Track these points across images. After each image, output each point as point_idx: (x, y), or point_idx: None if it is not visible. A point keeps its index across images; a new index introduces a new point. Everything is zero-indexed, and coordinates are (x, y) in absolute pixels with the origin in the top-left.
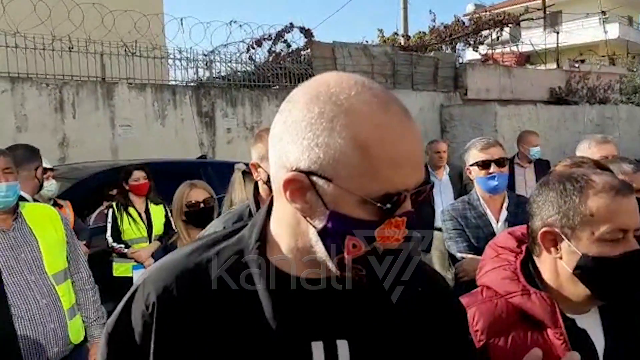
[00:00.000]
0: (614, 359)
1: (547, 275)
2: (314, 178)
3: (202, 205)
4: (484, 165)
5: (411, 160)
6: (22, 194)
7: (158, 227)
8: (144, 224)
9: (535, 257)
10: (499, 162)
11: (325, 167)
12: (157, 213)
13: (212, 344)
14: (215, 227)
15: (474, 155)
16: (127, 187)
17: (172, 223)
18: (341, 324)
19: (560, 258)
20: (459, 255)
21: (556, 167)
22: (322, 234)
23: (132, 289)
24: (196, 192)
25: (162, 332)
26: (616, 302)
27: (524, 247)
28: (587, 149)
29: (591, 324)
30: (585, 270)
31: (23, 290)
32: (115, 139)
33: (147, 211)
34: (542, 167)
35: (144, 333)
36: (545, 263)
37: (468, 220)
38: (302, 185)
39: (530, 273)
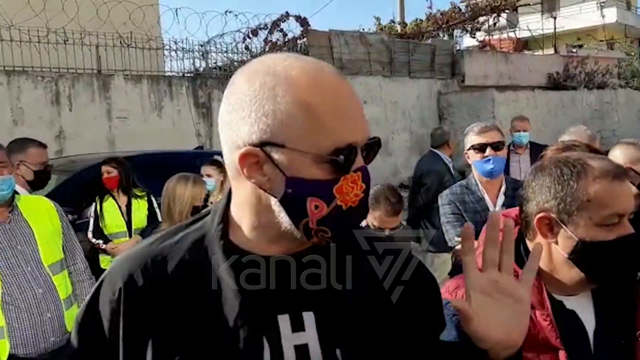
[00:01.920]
0: (604, 338)
1: (540, 259)
2: (267, 148)
3: (206, 200)
4: (480, 148)
5: (353, 113)
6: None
7: (138, 221)
8: (124, 218)
9: (527, 240)
10: (495, 146)
11: (276, 133)
12: (138, 207)
13: (180, 325)
14: None
15: (471, 139)
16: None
17: (158, 215)
18: (307, 297)
19: (556, 243)
20: (456, 239)
21: (547, 151)
22: (284, 201)
23: (100, 279)
24: (205, 188)
25: (130, 317)
26: (610, 284)
27: (516, 229)
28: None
29: (582, 304)
30: (581, 255)
31: (20, 280)
32: (112, 130)
33: (128, 205)
34: (538, 153)
35: (113, 319)
36: None
37: (466, 205)
38: (257, 159)
39: (521, 255)
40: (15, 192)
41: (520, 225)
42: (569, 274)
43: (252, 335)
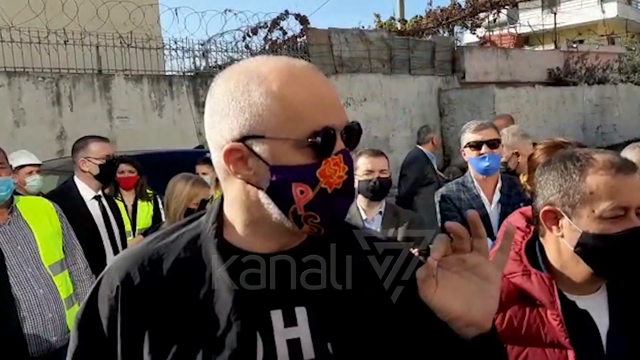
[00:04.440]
0: (617, 339)
1: (551, 254)
2: (248, 141)
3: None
4: (476, 146)
5: (326, 99)
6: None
7: (142, 222)
8: (129, 218)
9: (540, 238)
10: (491, 144)
11: (254, 125)
12: (143, 208)
13: (175, 321)
14: None
15: (467, 136)
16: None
17: (163, 216)
18: (299, 293)
19: (562, 236)
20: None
21: (536, 150)
22: (271, 191)
23: (99, 277)
24: (204, 191)
25: (127, 314)
26: (618, 279)
27: (532, 228)
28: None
29: (595, 305)
30: (585, 247)
31: (20, 281)
32: (113, 130)
33: (134, 205)
34: None
35: (111, 316)
36: (549, 243)
37: (462, 202)
38: (241, 154)
39: (535, 254)
40: (15, 194)
41: (534, 224)
42: (578, 269)
43: (245, 330)
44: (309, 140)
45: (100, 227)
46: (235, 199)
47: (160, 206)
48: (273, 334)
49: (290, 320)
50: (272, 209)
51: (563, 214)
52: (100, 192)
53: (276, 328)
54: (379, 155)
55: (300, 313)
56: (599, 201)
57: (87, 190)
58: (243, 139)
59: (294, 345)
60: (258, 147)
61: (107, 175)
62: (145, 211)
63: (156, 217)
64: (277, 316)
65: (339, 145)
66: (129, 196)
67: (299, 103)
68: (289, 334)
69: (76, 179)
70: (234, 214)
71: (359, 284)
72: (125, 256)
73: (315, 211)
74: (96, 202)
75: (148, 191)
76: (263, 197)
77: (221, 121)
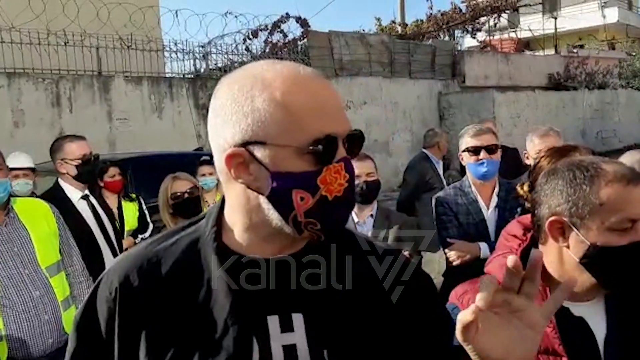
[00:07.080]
0: (615, 347)
1: (551, 263)
2: (250, 147)
3: (186, 195)
4: (475, 151)
5: (329, 106)
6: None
7: (130, 223)
8: (117, 220)
9: (540, 246)
10: (490, 149)
11: (257, 131)
12: (129, 210)
13: (172, 324)
14: None
15: (465, 141)
16: (101, 184)
17: (147, 217)
18: (296, 298)
19: (567, 247)
20: (449, 241)
21: (541, 158)
22: (271, 197)
23: (99, 278)
24: (179, 184)
25: (125, 316)
26: (621, 290)
27: (529, 235)
28: (529, 143)
29: (592, 311)
30: (592, 259)
31: (17, 283)
32: (112, 132)
33: (119, 208)
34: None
35: (109, 318)
36: (550, 251)
37: (459, 207)
38: (243, 158)
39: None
40: (12, 195)
41: (533, 230)
42: (580, 278)
43: (241, 335)
44: (311, 147)
45: (93, 227)
46: (236, 203)
47: (144, 208)
48: (269, 339)
49: (286, 326)
50: (273, 215)
51: (571, 225)
52: (87, 192)
53: (272, 333)
54: (365, 159)
55: (297, 319)
56: (609, 213)
57: (73, 191)
58: (245, 144)
59: (289, 351)
60: (260, 153)
61: (85, 175)
62: (132, 212)
63: (142, 217)
64: (273, 322)
65: (341, 152)
66: (112, 199)
67: (301, 111)
68: (285, 340)
69: (60, 181)
70: (235, 218)
71: (358, 287)
72: (125, 258)
73: (315, 218)
74: (84, 202)
75: (131, 196)
76: (264, 202)
77: (224, 125)
